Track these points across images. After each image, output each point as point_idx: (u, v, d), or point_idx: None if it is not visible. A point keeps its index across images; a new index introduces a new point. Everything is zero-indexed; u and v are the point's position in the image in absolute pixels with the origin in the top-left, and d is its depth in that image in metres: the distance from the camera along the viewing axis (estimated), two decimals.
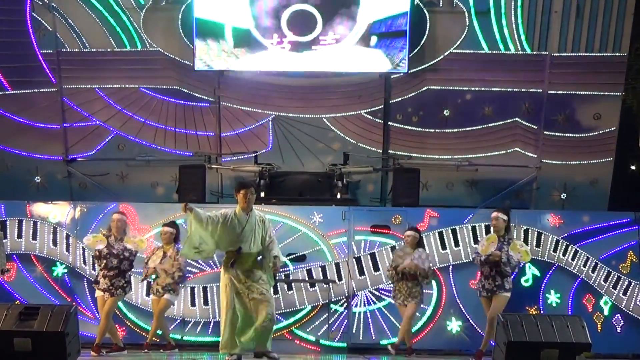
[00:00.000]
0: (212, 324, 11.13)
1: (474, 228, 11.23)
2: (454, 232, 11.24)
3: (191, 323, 10.91)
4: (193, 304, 11.14)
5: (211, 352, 10.68)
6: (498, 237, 9.68)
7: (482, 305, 9.75)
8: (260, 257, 8.39)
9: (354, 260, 11.20)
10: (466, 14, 12.86)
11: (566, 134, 13.04)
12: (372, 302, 11.19)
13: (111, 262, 9.77)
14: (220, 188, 13.09)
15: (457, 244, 11.09)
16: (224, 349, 8.29)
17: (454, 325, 11.12)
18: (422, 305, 11.02)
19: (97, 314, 10.79)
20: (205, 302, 11.13)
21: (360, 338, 11.05)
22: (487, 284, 9.58)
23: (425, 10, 12.87)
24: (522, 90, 13.00)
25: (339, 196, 12.39)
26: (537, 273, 11.22)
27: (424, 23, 12.89)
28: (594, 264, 11.22)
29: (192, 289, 11.16)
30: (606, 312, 11.20)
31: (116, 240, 9.90)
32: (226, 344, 8.26)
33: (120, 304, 10.87)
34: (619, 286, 11.21)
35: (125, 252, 9.86)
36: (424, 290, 10.43)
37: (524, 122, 13.05)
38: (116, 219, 10.03)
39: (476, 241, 10.88)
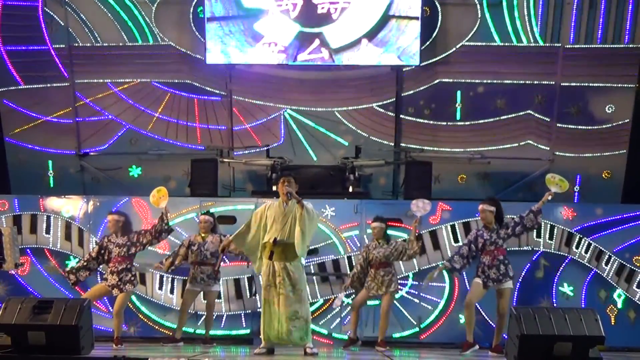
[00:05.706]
0: (224, 318, 11.15)
1: None
2: (466, 225, 11.15)
3: (203, 317, 10.90)
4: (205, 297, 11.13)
5: (224, 346, 10.70)
6: (489, 227, 9.55)
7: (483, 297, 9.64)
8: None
9: None
10: (478, 6, 12.81)
11: (579, 126, 12.99)
12: None
13: (116, 256, 9.79)
14: (232, 182, 13.08)
15: None
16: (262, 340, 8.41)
17: None
18: (434, 299, 11.05)
19: (110, 308, 10.82)
20: (217, 296, 11.11)
21: (373, 331, 11.02)
22: (492, 273, 9.45)
23: (437, 3, 12.83)
24: (535, 82, 12.96)
25: (351, 189, 12.37)
26: (549, 266, 11.17)
27: (436, 15, 12.86)
28: (607, 256, 11.16)
29: None
30: (620, 305, 11.13)
31: (117, 236, 9.91)
32: (262, 336, 8.36)
33: (133, 297, 10.91)
34: (632, 279, 11.15)
35: (127, 244, 9.86)
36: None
37: (536, 115, 13.00)
38: (110, 219, 10.05)
39: None
